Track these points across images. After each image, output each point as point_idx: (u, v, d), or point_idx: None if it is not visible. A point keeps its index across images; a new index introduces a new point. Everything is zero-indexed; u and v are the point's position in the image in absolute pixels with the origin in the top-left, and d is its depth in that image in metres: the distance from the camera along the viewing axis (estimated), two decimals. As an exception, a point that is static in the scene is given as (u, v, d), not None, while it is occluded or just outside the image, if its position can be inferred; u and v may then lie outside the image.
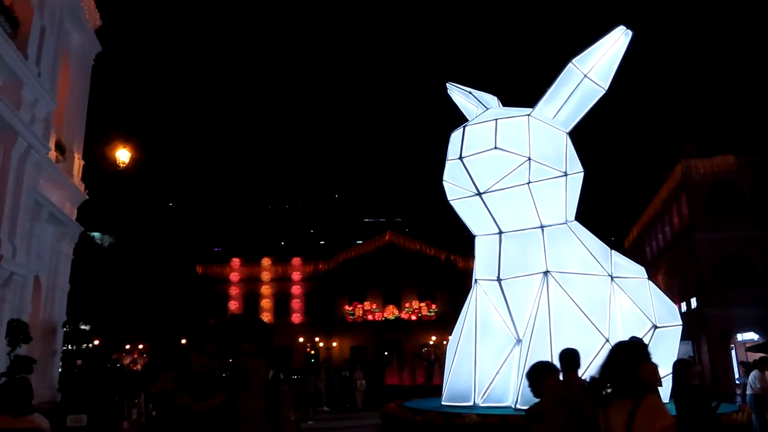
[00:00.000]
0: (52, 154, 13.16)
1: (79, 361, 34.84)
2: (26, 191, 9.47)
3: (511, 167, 11.30)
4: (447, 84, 14.45)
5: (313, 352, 52.28)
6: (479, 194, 11.61)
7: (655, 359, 11.07)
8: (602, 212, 56.16)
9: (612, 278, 11.79)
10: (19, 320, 10.31)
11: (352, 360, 32.49)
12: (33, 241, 12.43)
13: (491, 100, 13.51)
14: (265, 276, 58.04)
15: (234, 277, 58.13)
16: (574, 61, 12.72)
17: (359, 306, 51.75)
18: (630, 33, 12.81)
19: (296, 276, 56.30)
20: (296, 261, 56.44)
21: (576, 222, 12.44)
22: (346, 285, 51.93)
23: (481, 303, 12.35)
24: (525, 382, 4.17)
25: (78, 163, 14.95)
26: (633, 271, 12.41)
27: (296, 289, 56.02)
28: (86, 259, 34.04)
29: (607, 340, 11.04)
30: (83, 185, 15.22)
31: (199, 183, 65.69)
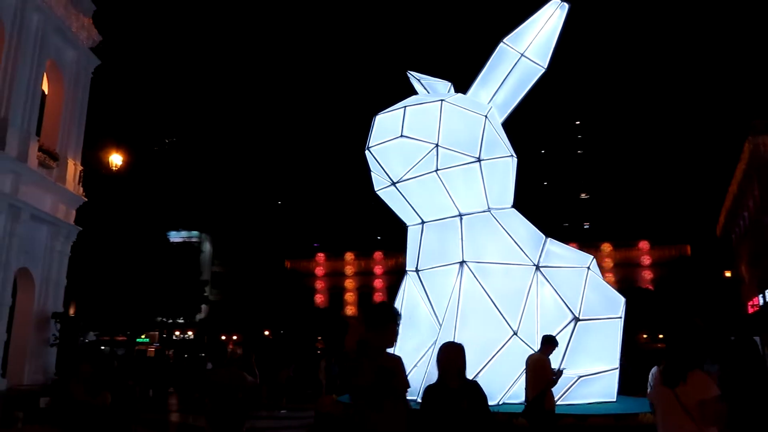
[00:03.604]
0: (34, 161, 14.56)
1: (169, 352, 37.64)
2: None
3: (420, 155, 10.98)
4: (408, 73, 14.22)
5: (394, 344, 52.79)
6: (393, 184, 11.41)
7: (581, 353, 10.43)
8: (692, 198, 51.82)
9: (537, 268, 11.11)
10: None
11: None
12: (13, 240, 13.88)
13: (442, 86, 13.11)
14: (349, 270, 59.56)
15: (319, 271, 60.22)
16: (505, 40, 12.17)
17: (439, 299, 51.54)
18: (566, 6, 12.01)
19: (378, 270, 57.23)
20: (378, 255, 57.39)
21: (510, 209, 11.86)
22: (425, 278, 51.89)
23: (409, 294, 12.12)
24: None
25: (74, 168, 16.38)
26: (570, 259, 11.59)
27: (378, 283, 56.99)
28: (160, 257, 36.81)
29: (515, 333, 10.50)
30: (81, 189, 16.64)
31: (284, 180, 68.40)
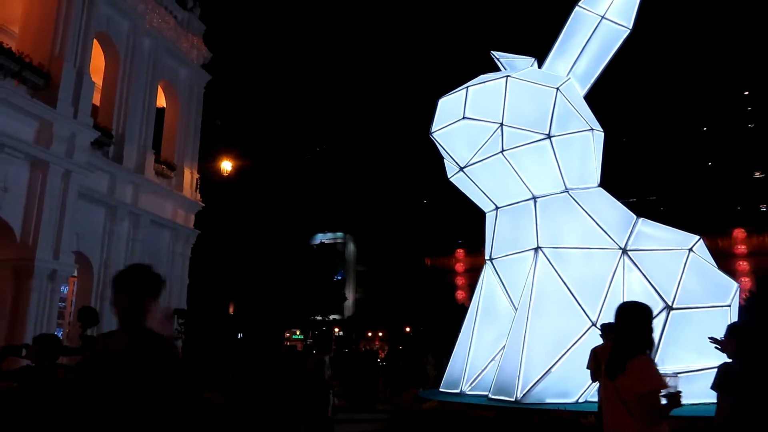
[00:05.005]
0: (151, 172, 16.02)
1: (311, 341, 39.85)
2: (71, 204, 12.02)
3: (484, 137, 10.39)
4: (491, 53, 13.63)
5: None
6: (461, 169, 10.93)
7: (678, 346, 9.71)
8: None
9: (624, 251, 10.00)
10: (91, 307, 12.97)
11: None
12: (136, 243, 15.38)
13: (524, 63, 12.37)
14: (489, 266, 58.33)
15: (459, 267, 59.69)
16: (581, 3, 11.14)
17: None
18: (650, -45, 10.68)
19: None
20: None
21: (595, 189, 10.85)
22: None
23: (488, 285, 11.52)
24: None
25: (190, 176, 17.78)
26: (668, 241, 10.31)
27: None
28: (304, 259, 38.86)
29: (594, 324, 9.52)
30: (198, 195, 18.02)
31: (422, 179, 68.87)
